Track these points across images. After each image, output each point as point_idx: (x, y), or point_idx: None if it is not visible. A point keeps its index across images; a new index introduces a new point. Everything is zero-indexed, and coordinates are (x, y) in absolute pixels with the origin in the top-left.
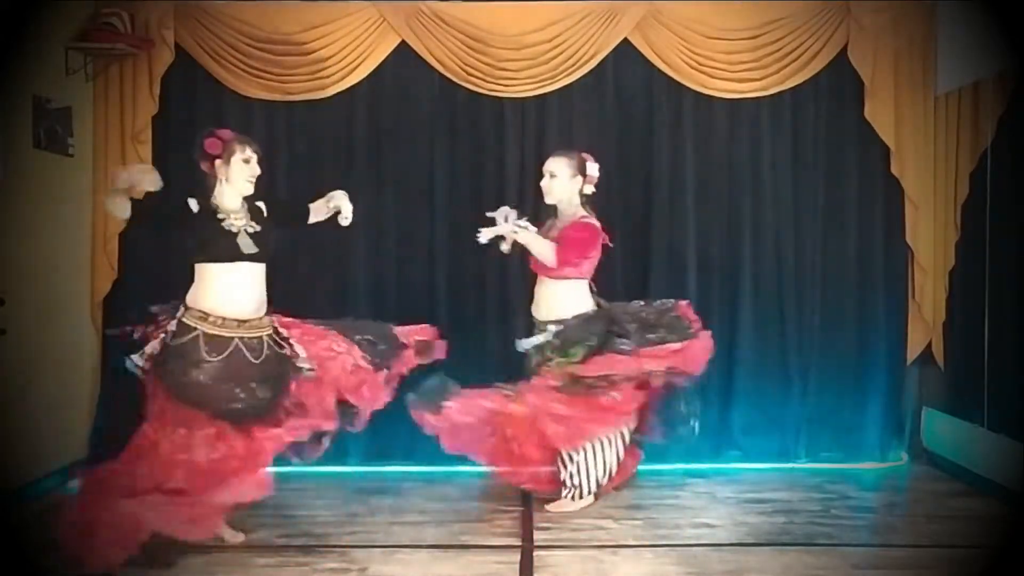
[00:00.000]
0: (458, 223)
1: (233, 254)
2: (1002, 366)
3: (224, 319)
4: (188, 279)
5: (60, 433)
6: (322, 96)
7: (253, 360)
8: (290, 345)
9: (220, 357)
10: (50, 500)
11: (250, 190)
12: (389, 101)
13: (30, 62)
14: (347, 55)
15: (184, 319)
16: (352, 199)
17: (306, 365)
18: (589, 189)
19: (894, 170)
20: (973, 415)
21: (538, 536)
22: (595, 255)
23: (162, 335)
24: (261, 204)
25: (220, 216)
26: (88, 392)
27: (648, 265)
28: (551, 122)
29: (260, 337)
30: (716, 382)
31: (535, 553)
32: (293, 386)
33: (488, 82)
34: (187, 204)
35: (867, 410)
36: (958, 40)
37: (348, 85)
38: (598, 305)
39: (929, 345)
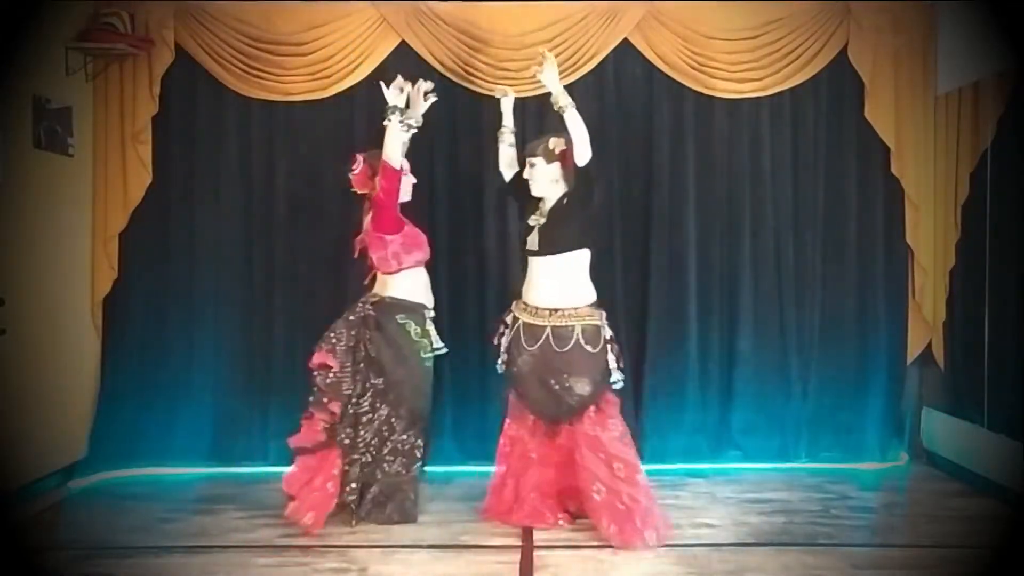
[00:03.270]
0: (458, 223)
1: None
2: (1002, 366)
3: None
4: (188, 278)
5: (60, 433)
6: (322, 96)
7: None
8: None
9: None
10: (50, 500)
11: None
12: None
13: (30, 62)
14: (347, 55)
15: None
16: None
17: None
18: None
19: (894, 170)
20: (973, 415)
21: (538, 536)
22: None
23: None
24: None
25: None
26: (88, 392)
27: (648, 265)
28: (551, 122)
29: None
30: (716, 382)
31: (535, 553)
32: None
33: (488, 82)
34: None
35: (867, 410)
36: (958, 40)
37: (348, 85)
38: None
39: (929, 345)
